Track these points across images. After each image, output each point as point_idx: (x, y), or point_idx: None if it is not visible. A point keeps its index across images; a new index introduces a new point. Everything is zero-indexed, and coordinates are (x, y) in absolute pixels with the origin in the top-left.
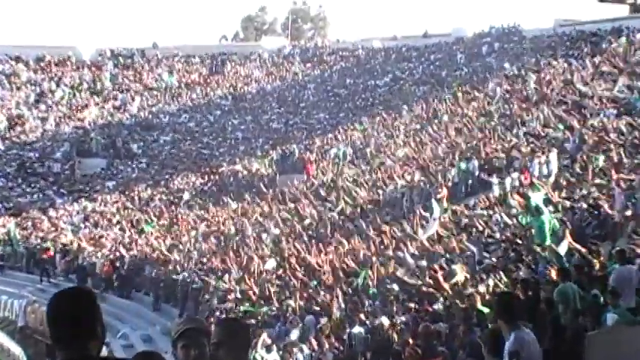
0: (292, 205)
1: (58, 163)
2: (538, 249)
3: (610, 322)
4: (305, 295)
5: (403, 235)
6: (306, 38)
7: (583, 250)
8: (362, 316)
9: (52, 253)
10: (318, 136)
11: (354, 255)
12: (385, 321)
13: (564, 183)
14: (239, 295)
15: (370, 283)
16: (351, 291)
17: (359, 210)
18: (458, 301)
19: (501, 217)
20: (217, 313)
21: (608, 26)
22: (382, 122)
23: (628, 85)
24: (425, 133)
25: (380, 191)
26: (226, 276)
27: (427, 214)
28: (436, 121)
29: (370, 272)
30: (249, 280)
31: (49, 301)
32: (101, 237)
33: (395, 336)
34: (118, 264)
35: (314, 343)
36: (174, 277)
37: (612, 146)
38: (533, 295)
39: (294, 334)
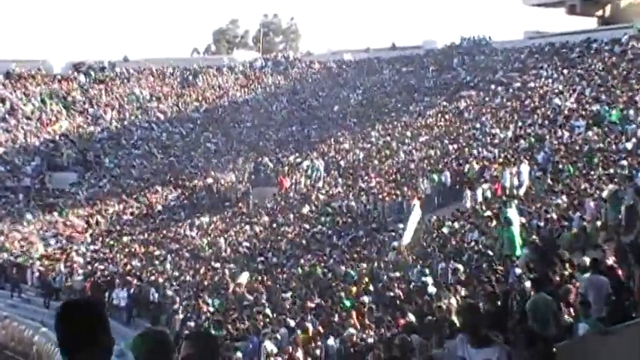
0: (266, 219)
1: (28, 177)
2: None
3: (581, 332)
4: (280, 308)
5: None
6: (278, 51)
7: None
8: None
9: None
10: (291, 149)
11: (328, 268)
12: (353, 332)
13: (535, 194)
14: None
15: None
16: (324, 303)
17: (333, 223)
18: (428, 313)
19: (473, 228)
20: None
21: (577, 38)
22: (354, 135)
23: (597, 97)
24: (396, 145)
25: (353, 204)
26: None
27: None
28: (408, 133)
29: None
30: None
31: (57, 310)
32: (72, 251)
33: (363, 346)
34: (94, 279)
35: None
36: (146, 290)
37: (582, 157)
38: (503, 306)
39: (269, 347)
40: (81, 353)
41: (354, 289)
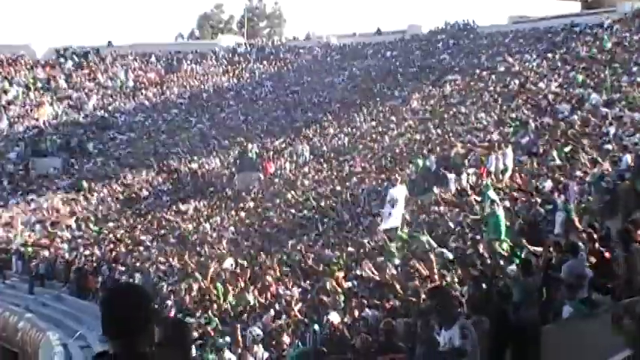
0: (252, 204)
1: (12, 163)
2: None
3: (566, 314)
4: (265, 293)
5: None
6: (262, 36)
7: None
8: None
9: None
10: (276, 134)
11: (315, 253)
12: (334, 317)
13: (520, 178)
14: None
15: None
16: (309, 287)
17: (319, 208)
18: (413, 298)
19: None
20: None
21: (561, 23)
22: (340, 120)
23: (582, 81)
24: (381, 129)
25: (339, 188)
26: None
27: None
28: (393, 117)
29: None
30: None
31: (102, 296)
32: (56, 237)
33: (346, 332)
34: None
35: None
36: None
37: (567, 141)
38: (488, 290)
39: (255, 331)
40: (127, 339)
41: (340, 274)
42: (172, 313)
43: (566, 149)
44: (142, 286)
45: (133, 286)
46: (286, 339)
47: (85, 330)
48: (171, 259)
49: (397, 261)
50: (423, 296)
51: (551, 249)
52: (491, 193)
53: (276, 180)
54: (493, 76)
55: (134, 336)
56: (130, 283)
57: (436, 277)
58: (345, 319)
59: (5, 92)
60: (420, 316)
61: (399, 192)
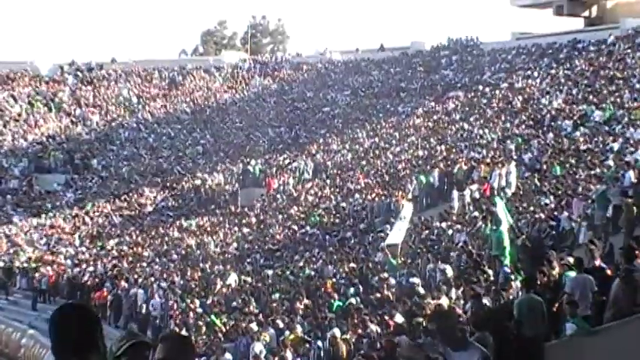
0: (255, 220)
1: (15, 179)
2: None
3: (569, 332)
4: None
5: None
6: (266, 52)
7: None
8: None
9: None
10: (279, 150)
11: (316, 269)
12: (337, 333)
13: (523, 194)
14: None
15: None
16: (312, 304)
17: (321, 224)
18: (417, 314)
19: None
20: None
21: (564, 39)
22: (343, 136)
23: (585, 98)
24: (384, 146)
25: (343, 204)
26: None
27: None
28: (396, 134)
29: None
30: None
31: (52, 316)
32: (59, 254)
33: (343, 347)
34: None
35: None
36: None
37: (569, 157)
38: (490, 307)
39: (257, 348)
40: (76, 358)
41: (329, 282)
42: (177, 329)
43: (568, 165)
44: (89, 307)
45: (79, 307)
46: (289, 355)
47: None
48: (174, 276)
49: (393, 281)
50: (428, 312)
51: (554, 264)
52: (500, 210)
53: (279, 196)
54: (496, 93)
55: (81, 356)
56: (78, 303)
57: None
58: (348, 336)
59: (10, 108)
60: (426, 334)
61: (408, 209)
